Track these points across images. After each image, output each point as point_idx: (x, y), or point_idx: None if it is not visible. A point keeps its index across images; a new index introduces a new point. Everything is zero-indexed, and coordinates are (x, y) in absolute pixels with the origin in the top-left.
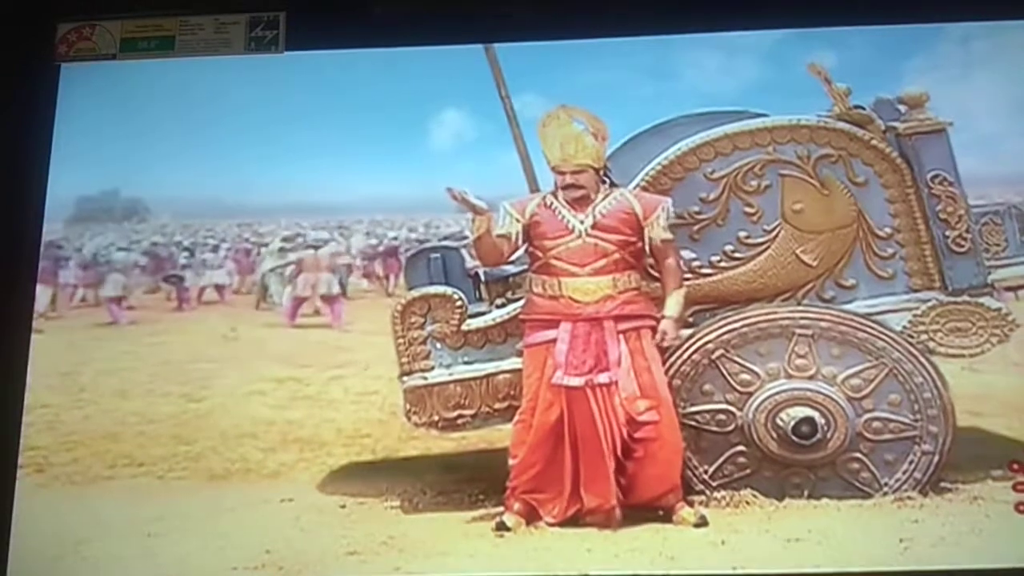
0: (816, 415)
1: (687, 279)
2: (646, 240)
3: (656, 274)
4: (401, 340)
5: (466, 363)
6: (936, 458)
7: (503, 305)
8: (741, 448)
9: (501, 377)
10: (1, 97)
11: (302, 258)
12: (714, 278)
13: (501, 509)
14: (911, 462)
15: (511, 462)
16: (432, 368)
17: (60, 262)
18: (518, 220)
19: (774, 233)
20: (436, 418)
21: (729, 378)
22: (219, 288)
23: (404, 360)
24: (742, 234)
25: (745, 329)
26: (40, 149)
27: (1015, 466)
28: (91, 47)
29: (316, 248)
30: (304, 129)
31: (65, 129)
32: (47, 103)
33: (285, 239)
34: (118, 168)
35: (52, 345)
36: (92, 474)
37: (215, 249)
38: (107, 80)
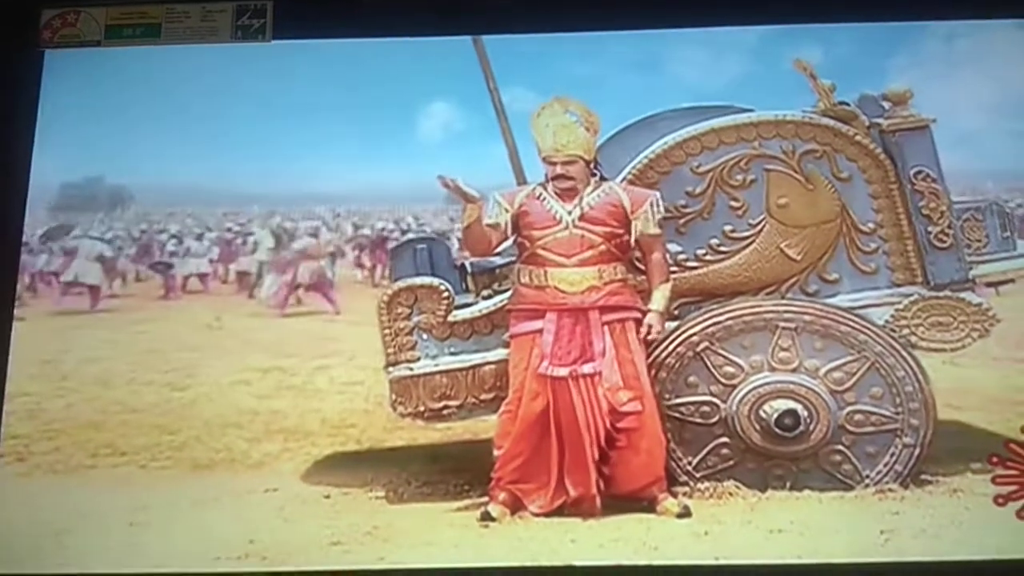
0: (799, 407)
1: (672, 272)
2: (633, 233)
3: (642, 267)
4: (387, 330)
5: (452, 354)
6: (917, 451)
7: (489, 297)
8: (725, 440)
9: (487, 368)
10: None
11: (304, 246)
12: (699, 271)
13: (486, 499)
14: (892, 454)
15: (496, 452)
16: (418, 359)
17: (43, 249)
18: (507, 210)
19: (759, 227)
20: (422, 408)
21: (713, 370)
22: (203, 277)
23: (390, 350)
24: (727, 228)
25: (730, 322)
26: (23, 135)
27: (994, 459)
28: (76, 33)
29: (315, 236)
30: (291, 118)
31: (49, 115)
32: (31, 89)
33: (277, 229)
34: (102, 155)
35: (34, 332)
36: (74, 463)
37: (200, 237)
38: (92, 67)
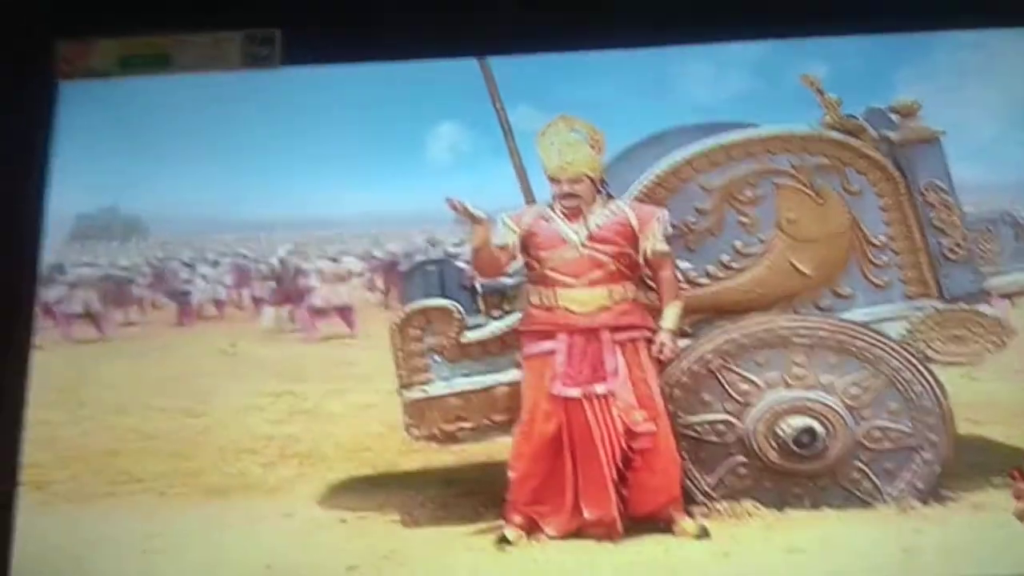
0: (816, 424)
1: (683, 289)
2: (642, 252)
3: (652, 285)
4: (400, 353)
5: (465, 376)
6: (936, 467)
7: (500, 317)
8: (741, 458)
9: (500, 389)
10: (2, 114)
11: (320, 270)
12: (711, 288)
13: (502, 522)
14: (911, 471)
15: (511, 475)
16: (431, 381)
17: (52, 280)
18: (515, 231)
19: (769, 243)
20: (436, 431)
21: (728, 388)
22: (217, 303)
23: (403, 373)
24: (737, 244)
25: (743, 339)
26: (39, 166)
27: (1016, 473)
28: (90, 64)
29: (334, 260)
30: (301, 144)
31: (64, 146)
32: (46, 120)
33: (288, 254)
34: (117, 184)
35: (51, 361)
36: (91, 491)
37: (214, 264)
38: (106, 97)
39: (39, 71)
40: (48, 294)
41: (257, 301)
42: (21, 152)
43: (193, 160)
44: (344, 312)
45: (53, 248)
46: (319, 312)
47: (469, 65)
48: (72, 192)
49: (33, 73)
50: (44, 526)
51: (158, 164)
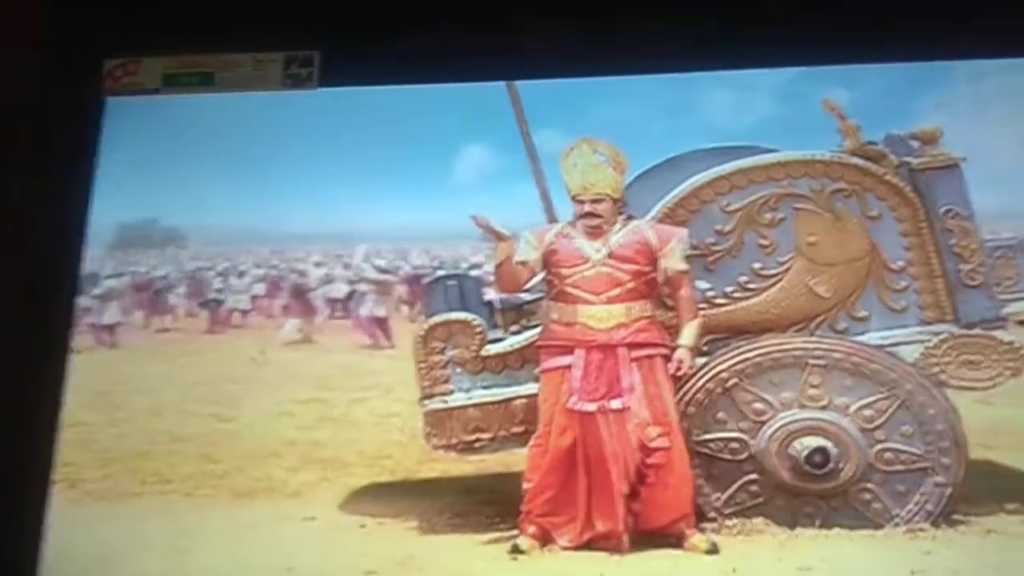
0: (829, 445)
1: (702, 309)
2: (661, 271)
3: (671, 303)
4: (422, 364)
5: (484, 388)
6: (948, 490)
7: (517, 332)
8: (754, 476)
9: (518, 402)
10: (51, 127)
11: (362, 281)
12: (728, 308)
13: (516, 532)
14: (923, 493)
15: (526, 485)
16: (452, 392)
17: (98, 285)
18: (536, 248)
19: (788, 265)
20: (455, 441)
21: (742, 407)
22: (248, 312)
23: (425, 384)
24: (756, 265)
25: (759, 359)
26: (85, 178)
27: None
28: (136, 81)
29: (386, 272)
30: (334, 161)
31: (109, 159)
32: (93, 134)
33: (316, 267)
34: (158, 196)
35: (89, 364)
36: (122, 490)
37: (244, 275)
38: (150, 113)
39: (87, 87)
40: (87, 300)
41: (286, 311)
42: (68, 164)
43: (231, 175)
44: (382, 323)
45: (95, 256)
46: (365, 321)
47: (497, 88)
48: (115, 203)
49: (81, 89)
50: (75, 523)
51: (197, 178)
